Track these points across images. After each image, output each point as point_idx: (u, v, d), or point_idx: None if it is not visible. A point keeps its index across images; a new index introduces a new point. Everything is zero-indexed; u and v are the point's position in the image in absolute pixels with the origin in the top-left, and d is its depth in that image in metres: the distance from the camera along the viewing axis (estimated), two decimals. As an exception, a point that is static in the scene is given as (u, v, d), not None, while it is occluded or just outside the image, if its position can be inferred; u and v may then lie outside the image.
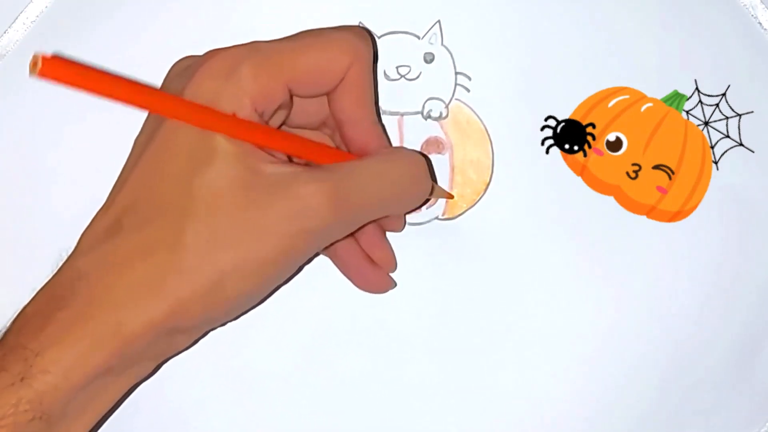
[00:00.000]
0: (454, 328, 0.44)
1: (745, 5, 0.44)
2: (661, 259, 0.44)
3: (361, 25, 0.44)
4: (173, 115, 0.34)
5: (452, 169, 0.44)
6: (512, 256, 0.44)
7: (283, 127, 0.39)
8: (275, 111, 0.37)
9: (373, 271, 0.42)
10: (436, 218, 0.44)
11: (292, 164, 0.36)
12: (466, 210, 0.44)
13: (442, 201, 0.44)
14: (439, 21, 0.44)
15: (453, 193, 0.44)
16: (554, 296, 0.44)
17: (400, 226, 0.43)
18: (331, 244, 0.39)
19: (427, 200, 0.42)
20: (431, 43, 0.44)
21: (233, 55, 0.36)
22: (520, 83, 0.44)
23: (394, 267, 0.43)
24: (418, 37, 0.44)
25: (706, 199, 0.44)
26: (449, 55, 0.44)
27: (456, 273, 0.44)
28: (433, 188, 0.41)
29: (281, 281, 0.37)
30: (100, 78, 0.33)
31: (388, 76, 0.44)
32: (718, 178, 0.44)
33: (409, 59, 0.44)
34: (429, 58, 0.44)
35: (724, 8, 0.44)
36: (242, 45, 0.36)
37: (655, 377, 0.44)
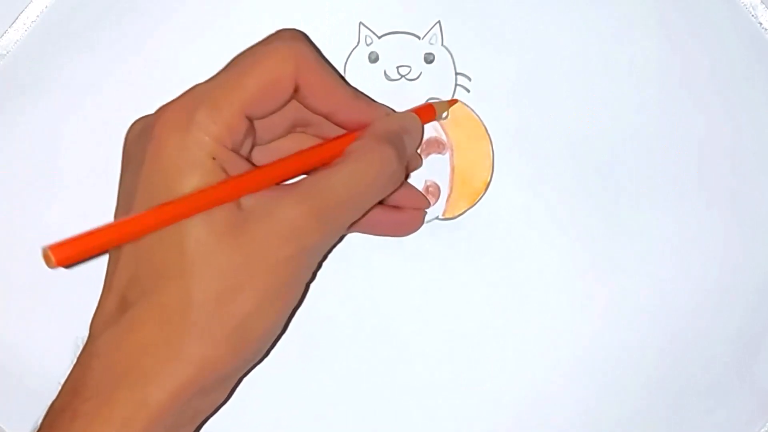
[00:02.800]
0: (454, 328, 0.44)
1: (745, 5, 0.44)
2: (661, 259, 0.44)
3: (362, 24, 0.44)
4: (153, 228, 0.34)
5: (452, 169, 0.44)
6: (512, 255, 0.44)
7: (256, 149, 0.39)
8: (243, 140, 0.37)
9: (404, 214, 0.43)
10: (436, 218, 0.44)
11: (269, 189, 0.36)
12: (466, 210, 0.44)
13: (442, 201, 0.44)
14: (439, 21, 0.44)
15: (453, 193, 0.44)
16: (554, 295, 0.44)
17: (418, 164, 0.44)
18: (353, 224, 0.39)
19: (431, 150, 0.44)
20: (431, 44, 0.44)
21: (184, 106, 0.36)
22: (520, 83, 0.44)
23: (427, 203, 0.44)
24: (419, 38, 0.44)
25: (705, 198, 0.44)
26: (449, 56, 0.44)
27: (456, 273, 0.44)
28: (435, 107, 0.43)
29: (296, 302, 0.37)
30: (101, 236, 0.33)
31: (389, 76, 0.44)
32: (717, 176, 0.44)
33: (409, 59, 0.44)
34: (429, 59, 0.44)
35: (724, 8, 0.44)
36: (187, 93, 0.36)
37: (654, 377, 0.44)
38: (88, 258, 0.33)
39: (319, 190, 0.36)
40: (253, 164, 0.38)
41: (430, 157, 0.44)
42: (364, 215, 0.39)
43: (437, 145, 0.44)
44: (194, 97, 0.36)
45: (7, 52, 0.44)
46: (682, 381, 0.44)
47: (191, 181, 0.35)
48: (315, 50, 0.38)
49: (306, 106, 0.39)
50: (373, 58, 0.44)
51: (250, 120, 0.37)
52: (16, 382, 0.43)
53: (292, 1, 0.44)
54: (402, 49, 0.44)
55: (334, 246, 0.42)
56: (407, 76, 0.44)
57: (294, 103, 0.39)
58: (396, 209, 0.43)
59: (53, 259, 0.31)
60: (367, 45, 0.44)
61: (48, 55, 0.44)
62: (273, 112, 0.38)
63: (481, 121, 0.44)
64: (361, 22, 0.44)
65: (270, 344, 0.37)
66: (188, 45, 0.44)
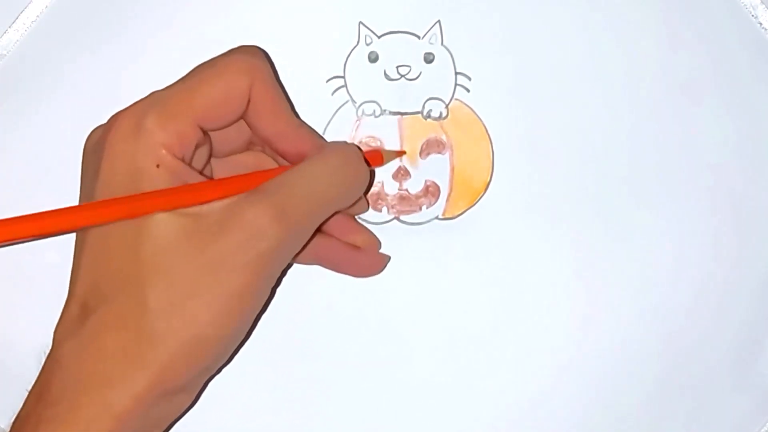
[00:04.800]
0: (453, 328, 0.44)
1: (745, 5, 0.44)
2: (661, 259, 0.44)
3: (361, 24, 0.44)
4: (103, 220, 0.35)
5: (452, 169, 0.44)
6: (512, 256, 0.44)
7: (213, 160, 0.39)
8: (195, 151, 0.37)
9: (364, 255, 0.43)
10: (436, 218, 0.44)
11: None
12: (466, 210, 0.44)
13: (442, 201, 0.44)
14: (439, 21, 0.44)
15: (453, 193, 0.44)
16: (554, 296, 0.44)
17: (363, 208, 0.43)
18: (303, 251, 0.39)
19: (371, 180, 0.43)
20: (431, 43, 0.44)
21: (135, 113, 0.36)
22: (520, 83, 0.44)
23: (379, 244, 0.43)
24: (418, 37, 0.44)
25: (705, 198, 0.44)
26: (449, 55, 0.44)
27: (456, 273, 0.44)
28: (383, 154, 0.42)
29: (258, 310, 0.37)
30: (21, 223, 0.33)
31: (388, 76, 0.44)
32: (717, 177, 0.44)
33: (409, 59, 0.44)
34: (429, 58, 0.44)
35: (724, 8, 0.44)
36: (141, 100, 0.37)
37: (654, 376, 0.44)
38: (15, 241, 0.33)
39: (279, 188, 0.36)
40: (206, 176, 0.38)
41: (429, 157, 0.44)
42: (322, 225, 0.38)
43: (437, 145, 0.44)
44: (147, 103, 0.36)
45: (7, 52, 0.44)
46: (682, 381, 0.44)
47: (136, 189, 0.35)
48: (271, 69, 0.38)
49: (251, 126, 0.39)
50: (373, 58, 0.44)
51: (204, 131, 0.37)
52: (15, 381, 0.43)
53: (292, 1, 0.44)
54: (402, 49, 0.44)
55: (284, 273, 0.42)
56: (407, 76, 0.44)
57: (248, 122, 0.39)
58: (356, 249, 0.42)
59: None
60: (367, 45, 0.44)
61: (48, 55, 0.44)
62: (226, 125, 0.38)
63: (481, 121, 0.44)
64: (360, 22, 0.44)
65: (231, 351, 0.37)
66: (188, 45, 0.44)
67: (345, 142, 0.41)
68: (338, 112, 0.44)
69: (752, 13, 0.44)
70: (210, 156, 0.39)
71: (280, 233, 0.35)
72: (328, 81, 0.44)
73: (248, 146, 0.41)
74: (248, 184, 0.37)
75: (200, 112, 0.36)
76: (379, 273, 0.43)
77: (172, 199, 0.35)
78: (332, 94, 0.44)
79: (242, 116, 0.38)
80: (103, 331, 0.34)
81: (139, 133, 0.35)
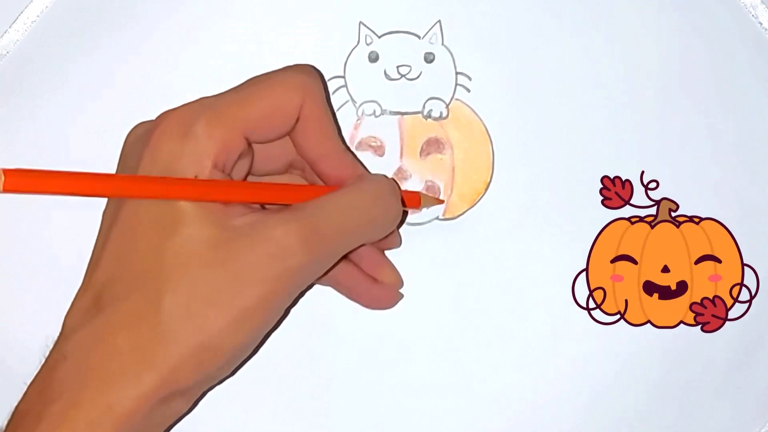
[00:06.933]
0: (454, 328, 0.44)
1: (745, 5, 0.44)
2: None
3: (362, 23, 0.44)
4: (138, 195, 0.35)
5: (452, 169, 0.44)
6: (512, 256, 0.44)
7: (250, 176, 0.40)
8: (236, 162, 0.37)
9: (380, 289, 0.43)
10: (436, 218, 0.44)
11: (260, 211, 0.36)
12: (466, 210, 0.44)
13: (442, 201, 0.44)
14: (439, 21, 0.44)
15: (453, 193, 0.44)
16: (554, 296, 0.44)
17: (395, 243, 0.43)
18: (325, 274, 0.38)
19: (406, 214, 0.43)
20: (432, 43, 0.44)
21: (185, 115, 0.36)
22: (520, 83, 0.44)
23: (401, 284, 0.43)
24: (419, 37, 0.44)
25: (705, 198, 0.44)
26: (450, 55, 0.44)
27: (456, 273, 0.44)
28: (420, 198, 0.42)
29: (270, 327, 0.37)
30: (62, 180, 0.33)
31: (389, 76, 0.44)
32: (717, 176, 0.44)
33: (409, 59, 0.44)
34: (429, 58, 0.44)
35: (724, 8, 0.44)
36: (192, 103, 0.37)
37: (654, 377, 0.44)
38: (36, 192, 0.33)
39: (311, 211, 0.36)
40: None
41: (429, 157, 0.44)
42: (349, 255, 0.38)
43: (437, 145, 0.44)
44: (197, 107, 0.36)
45: (7, 52, 0.44)
46: (682, 381, 0.44)
47: None
48: (324, 92, 0.38)
49: (296, 144, 0.39)
50: (373, 58, 0.44)
51: (249, 143, 0.37)
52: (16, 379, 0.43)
53: (293, 1, 0.44)
54: (402, 49, 0.44)
55: (302, 294, 0.40)
56: (407, 76, 0.44)
57: (294, 139, 0.39)
58: (374, 281, 0.42)
59: (2, 181, 0.31)
60: (367, 44, 0.44)
61: (48, 55, 0.44)
62: (272, 139, 0.38)
63: (481, 121, 0.44)
64: (361, 22, 0.44)
65: (238, 362, 0.37)
66: (188, 45, 0.44)
67: (384, 176, 0.41)
68: (338, 112, 0.44)
69: (752, 13, 0.44)
70: (249, 170, 0.39)
71: (306, 255, 0.35)
72: (328, 81, 0.44)
73: (287, 168, 0.41)
74: (280, 195, 0.37)
75: (249, 123, 0.36)
76: (390, 308, 0.43)
77: (202, 191, 0.35)
78: (332, 94, 0.44)
79: (289, 133, 0.38)
80: (114, 328, 0.34)
81: (187, 137, 0.35)
